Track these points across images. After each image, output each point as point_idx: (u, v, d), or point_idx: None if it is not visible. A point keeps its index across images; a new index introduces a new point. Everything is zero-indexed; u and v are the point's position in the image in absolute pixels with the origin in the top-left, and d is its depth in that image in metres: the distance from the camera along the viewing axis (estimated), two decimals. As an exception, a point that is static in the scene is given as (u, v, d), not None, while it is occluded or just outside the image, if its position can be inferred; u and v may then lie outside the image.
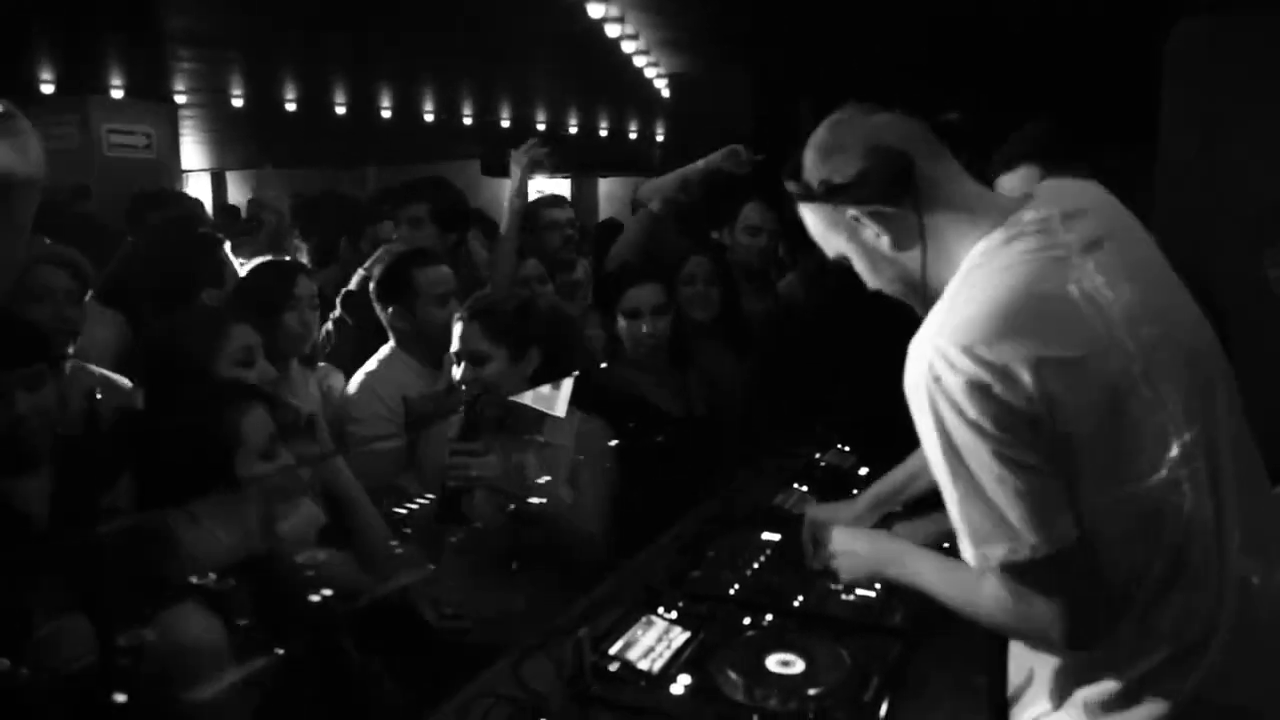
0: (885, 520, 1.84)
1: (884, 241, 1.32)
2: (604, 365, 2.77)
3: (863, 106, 1.34)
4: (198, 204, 5.88)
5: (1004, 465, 1.13)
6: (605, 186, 13.75)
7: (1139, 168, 3.43)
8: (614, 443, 2.44)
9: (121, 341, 2.80)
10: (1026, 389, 1.12)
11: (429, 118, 9.59)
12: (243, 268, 2.96)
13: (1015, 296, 1.17)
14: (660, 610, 1.73)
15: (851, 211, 1.31)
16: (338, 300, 3.37)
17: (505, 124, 10.14)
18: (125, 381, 2.40)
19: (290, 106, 8.67)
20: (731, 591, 1.84)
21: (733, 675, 1.50)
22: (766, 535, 2.09)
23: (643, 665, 1.56)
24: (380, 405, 2.60)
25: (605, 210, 12.65)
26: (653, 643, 1.62)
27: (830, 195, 1.31)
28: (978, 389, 1.12)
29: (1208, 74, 3.50)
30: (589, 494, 2.31)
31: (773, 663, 1.53)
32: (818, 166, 1.33)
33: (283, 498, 1.87)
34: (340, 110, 9.02)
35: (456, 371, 2.32)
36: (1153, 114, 3.60)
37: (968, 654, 1.60)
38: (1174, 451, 1.17)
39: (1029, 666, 1.35)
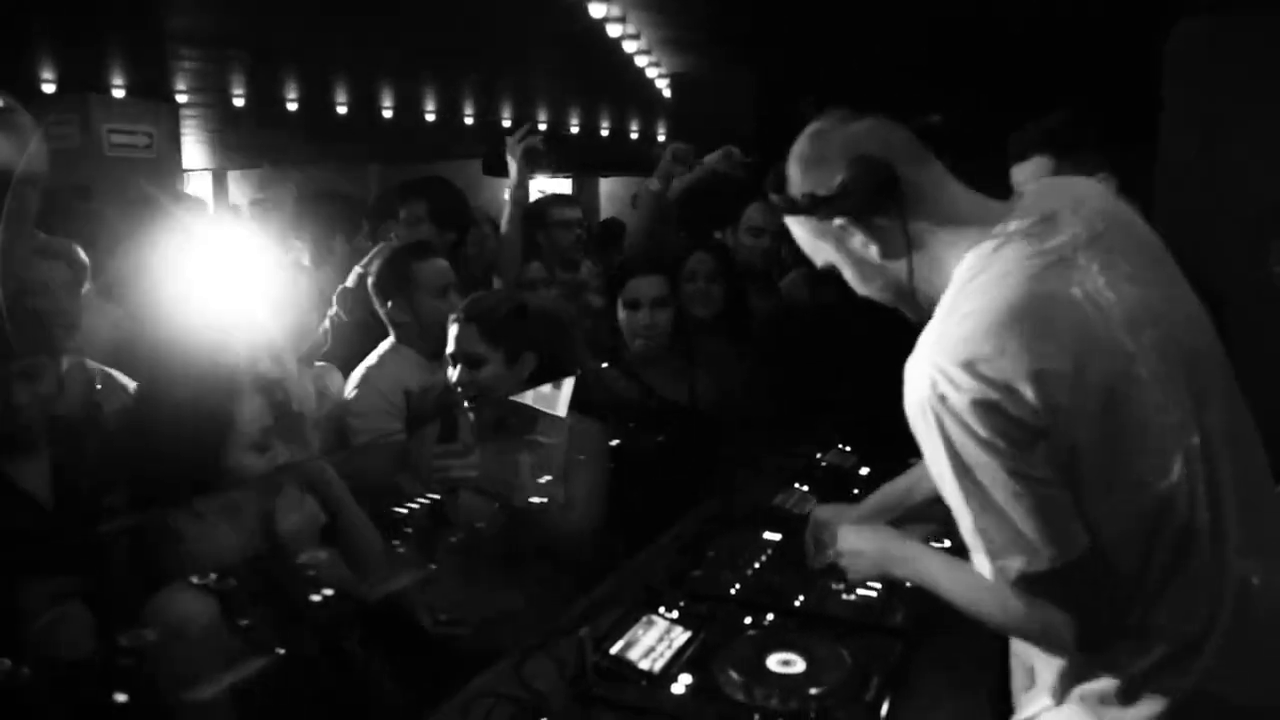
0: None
1: (871, 250, 1.31)
2: (605, 365, 2.77)
3: (842, 114, 1.33)
4: (198, 203, 5.87)
5: (1017, 480, 1.13)
6: (606, 186, 13.74)
7: (1139, 168, 3.43)
8: (614, 442, 2.43)
9: (120, 336, 2.79)
10: (1031, 403, 1.11)
11: (430, 117, 9.58)
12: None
13: (1016, 305, 1.16)
14: (661, 610, 1.73)
15: (838, 221, 1.31)
16: (334, 298, 3.36)
17: (506, 124, 10.13)
18: (125, 378, 2.40)
19: (291, 106, 8.67)
20: (732, 591, 1.84)
21: (734, 675, 1.50)
22: (767, 535, 2.09)
23: (644, 665, 1.56)
24: (381, 399, 2.60)
25: (606, 210, 12.65)
26: (654, 642, 1.62)
27: (814, 208, 1.30)
28: (985, 406, 1.12)
29: (1208, 74, 3.50)
30: (581, 492, 2.30)
31: (773, 662, 1.53)
32: (800, 179, 1.33)
33: (284, 495, 1.88)
34: (341, 110, 9.01)
35: (452, 373, 2.31)
36: (1153, 114, 3.60)
37: (969, 654, 1.60)
38: (1174, 453, 1.16)
39: (1029, 665, 1.35)
